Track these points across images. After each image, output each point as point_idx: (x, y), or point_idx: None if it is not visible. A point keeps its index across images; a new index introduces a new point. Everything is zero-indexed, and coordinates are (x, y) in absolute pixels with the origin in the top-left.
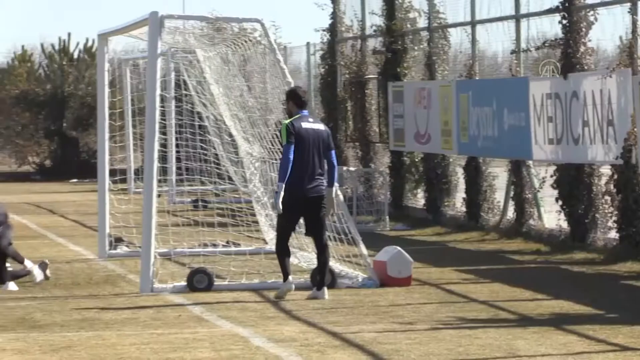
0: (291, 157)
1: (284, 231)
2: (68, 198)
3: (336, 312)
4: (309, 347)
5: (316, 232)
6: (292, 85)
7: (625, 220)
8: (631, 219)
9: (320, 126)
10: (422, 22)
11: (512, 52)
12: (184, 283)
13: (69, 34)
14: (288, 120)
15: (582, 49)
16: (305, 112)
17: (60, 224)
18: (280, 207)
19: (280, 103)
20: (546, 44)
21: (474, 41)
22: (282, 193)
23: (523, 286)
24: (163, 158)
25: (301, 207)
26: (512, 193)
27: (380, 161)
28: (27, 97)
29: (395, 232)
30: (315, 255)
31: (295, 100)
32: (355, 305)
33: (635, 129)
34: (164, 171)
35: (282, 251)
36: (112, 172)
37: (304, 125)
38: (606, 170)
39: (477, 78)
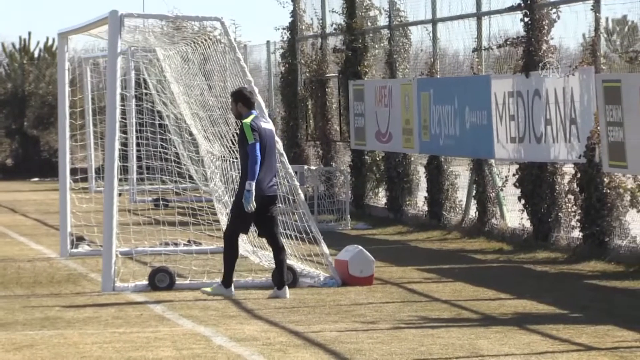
0: (259, 155)
1: (237, 231)
2: (29, 197)
3: (298, 311)
4: (270, 346)
5: (270, 231)
6: (252, 83)
7: (588, 219)
8: (594, 218)
9: (272, 125)
10: (382, 20)
11: (474, 50)
12: (145, 282)
13: (29, 33)
14: (249, 119)
15: (544, 46)
16: (255, 111)
17: (22, 223)
18: (253, 206)
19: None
20: (508, 42)
21: (435, 39)
22: (254, 192)
23: (486, 285)
24: (124, 157)
25: (258, 206)
26: (474, 192)
27: (341, 160)
28: None
29: (357, 231)
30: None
31: (243, 101)
32: (317, 304)
33: (598, 128)
34: (124, 170)
35: (234, 252)
36: (73, 171)
37: (262, 124)
38: (569, 169)
39: (438, 76)
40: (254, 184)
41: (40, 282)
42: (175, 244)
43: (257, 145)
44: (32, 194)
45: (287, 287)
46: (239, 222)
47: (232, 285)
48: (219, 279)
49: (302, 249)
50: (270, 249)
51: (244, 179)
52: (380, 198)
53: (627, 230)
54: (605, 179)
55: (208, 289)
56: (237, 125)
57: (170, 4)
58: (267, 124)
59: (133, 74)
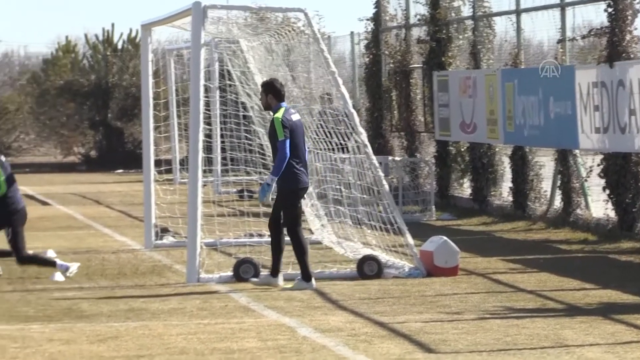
0: (288, 152)
1: (298, 222)
2: (113, 188)
3: (383, 302)
4: (355, 337)
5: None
6: (336, 74)
7: None
8: None
9: (299, 116)
10: (466, 11)
11: (559, 41)
12: (230, 273)
13: (113, 25)
14: (280, 114)
15: (627, 37)
16: (284, 104)
17: (106, 215)
18: (269, 199)
19: (325, 93)
20: (592, 33)
21: (519, 30)
22: (273, 186)
23: (570, 276)
24: (208, 148)
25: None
26: (559, 182)
27: (425, 151)
28: (72, 88)
29: (442, 221)
30: (361, 245)
31: (274, 93)
32: (401, 295)
33: None
34: (209, 161)
35: (304, 244)
36: (158, 163)
37: (293, 117)
38: None
39: (522, 67)
40: (275, 179)
41: (124, 273)
42: (260, 235)
43: (287, 142)
44: (116, 185)
45: (281, 275)
46: (293, 214)
47: (313, 278)
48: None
49: (387, 239)
50: (357, 239)
51: (273, 162)
52: (465, 189)
53: None
54: None
55: (288, 285)
56: (270, 115)
57: None
58: (296, 115)
59: (217, 66)
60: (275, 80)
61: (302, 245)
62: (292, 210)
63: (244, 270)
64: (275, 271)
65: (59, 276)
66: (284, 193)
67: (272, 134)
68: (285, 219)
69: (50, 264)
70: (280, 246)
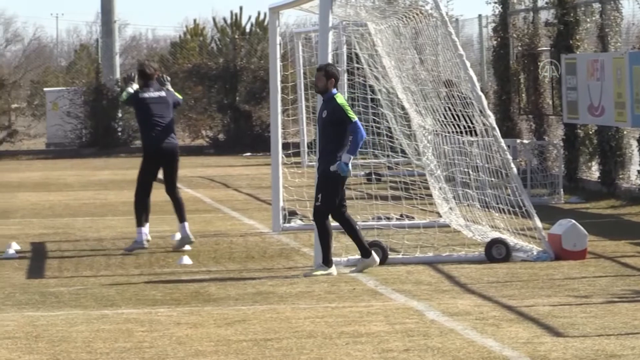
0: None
1: (333, 209)
2: (241, 172)
3: (511, 285)
4: (483, 320)
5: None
6: (464, 57)
7: None
8: None
9: None
10: None
11: None
12: (357, 256)
13: (241, 8)
14: (343, 99)
15: None
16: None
17: (234, 198)
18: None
19: (454, 76)
20: None
21: None
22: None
23: None
24: None
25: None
26: None
27: (553, 134)
28: (200, 71)
29: (570, 205)
30: (489, 229)
31: (336, 79)
32: (530, 278)
33: None
34: None
35: (330, 229)
36: (285, 146)
37: None
38: None
39: None
40: (352, 158)
41: (252, 257)
42: (388, 219)
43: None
44: (244, 168)
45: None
46: (333, 199)
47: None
48: (431, 253)
49: (515, 223)
50: (485, 223)
51: (328, 156)
52: (593, 172)
53: None
54: None
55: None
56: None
57: None
58: None
59: (345, 49)
60: (336, 67)
61: (328, 231)
62: (334, 195)
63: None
64: (366, 252)
65: (186, 259)
66: (332, 178)
67: (334, 118)
68: (324, 203)
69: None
70: (354, 226)
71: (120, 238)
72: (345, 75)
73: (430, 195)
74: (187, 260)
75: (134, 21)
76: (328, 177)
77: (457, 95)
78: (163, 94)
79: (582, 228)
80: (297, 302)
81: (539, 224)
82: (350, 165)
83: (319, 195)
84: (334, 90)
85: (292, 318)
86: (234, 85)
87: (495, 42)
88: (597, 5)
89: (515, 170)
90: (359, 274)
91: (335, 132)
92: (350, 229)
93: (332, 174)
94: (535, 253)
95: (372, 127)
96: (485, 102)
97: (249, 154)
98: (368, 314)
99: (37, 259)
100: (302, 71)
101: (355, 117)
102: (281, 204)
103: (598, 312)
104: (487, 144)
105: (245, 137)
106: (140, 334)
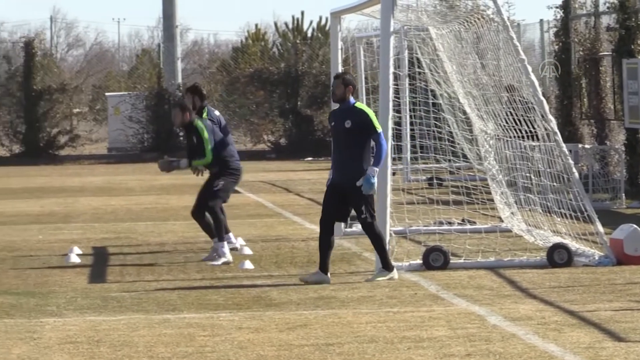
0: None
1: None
2: (303, 176)
3: (573, 290)
4: (545, 325)
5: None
6: (525, 62)
7: None
8: None
9: None
10: None
11: None
12: (419, 261)
13: (303, 12)
14: (368, 108)
15: None
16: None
17: (296, 202)
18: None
19: (515, 81)
20: None
21: None
22: None
23: None
24: (397, 136)
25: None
26: None
27: (615, 138)
28: (261, 76)
29: (631, 209)
30: (551, 233)
31: (354, 88)
32: (591, 283)
33: None
34: (398, 149)
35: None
36: None
37: None
38: None
39: None
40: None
41: (314, 261)
42: (450, 223)
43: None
44: (305, 173)
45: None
46: (373, 206)
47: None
48: (492, 258)
49: (577, 227)
50: (547, 227)
51: (351, 167)
52: None
53: None
54: None
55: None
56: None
57: None
58: None
59: (406, 53)
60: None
61: (381, 237)
62: (373, 203)
63: (433, 258)
64: (325, 268)
65: (248, 264)
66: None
67: (361, 127)
68: (369, 213)
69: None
70: (331, 243)
71: (181, 242)
72: (407, 80)
73: (492, 200)
74: (248, 264)
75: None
76: (359, 189)
77: (519, 100)
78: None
79: None
80: (358, 307)
81: (600, 228)
82: (375, 179)
83: (362, 208)
84: (352, 99)
85: (354, 323)
86: (296, 89)
87: (556, 47)
88: None
89: (577, 175)
90: (420, 279)
91: (359, 142)
92: (327, 243)
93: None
94: (597, 258)
95: (433, 131)
96: (546, 107)
97: (310, 158)
98: (430, 318)
99: (99, 263)
100: (363, 76)
101: (380, 128)
102: None
103: None
104: (549, 148)
105: (307, 142)
106: (202, 338)
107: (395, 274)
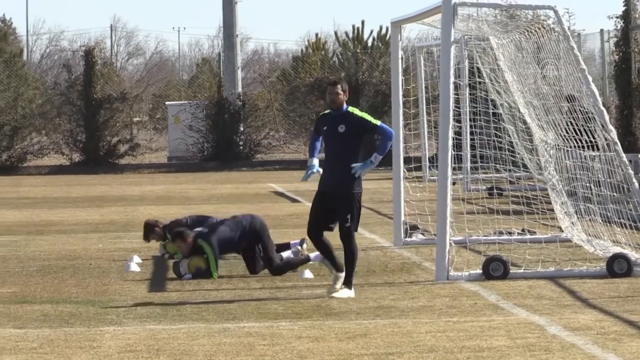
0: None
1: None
2: (365, 186)
3: (632, 300)
4: (604, 335)
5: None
6: (586, 72)
7: None
8: None
9: None
10: None
11: None
12: (479, 271)
13: (363, 22)
14: (360, 110)
15: None
16: None
17: None
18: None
19: (575, 91)
20: None
21: None
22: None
23: None
24: (457, 145)
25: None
26: None
27: None
28: (322, 85)
29: None
30: (610, 244)
31: (348, 94)
32: None
33: None
34: (458, 159)
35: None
36: (407, 160)
37: None
38: None
39: None
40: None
41: (373, 271)
42: (510, 233)
43: None
44: (365, 183)
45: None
46: (359, 218)
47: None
48: (552, 268)
49: (637, 237)
50: (607, 238)
51: (348, 172)
52: None
53: None
54: None
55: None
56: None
57: None
58: None
59: (467, 63)
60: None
61: (356, 253)
62: (359, 213)
63: (493, 268)
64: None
65: (308, 273)
66: (357, 196)
67: (358, 130)
68: (355, 223)
69: (304, 261)
70: (328, 243)
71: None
72: (467, 89)
73: (552, 210)
74: (308, 274)
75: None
76: (353, 195)
77: (579, 109)
78: None
79: None
80: (418, 317)
81: None
82: (371, 166)
83: (348, 216)
84: (345, 104)
85: (414, 332)
86: (356, 99)
87: (617, 57)
88: None
89: (637, 185)
90: (480, 289)
91: (351, 147)
92: (324, 246)
93: (357, 192)
94: None
95: (494, 141)
96: (607, 117)
97: None
98: (489, 328)
99: (158, 272)
100: (423, 85)
101: (378, 121)
102: (402, 218)
103: None
104: (609, 158)
105: (367, 151)
106: (262, 347)
107: (352, 293)
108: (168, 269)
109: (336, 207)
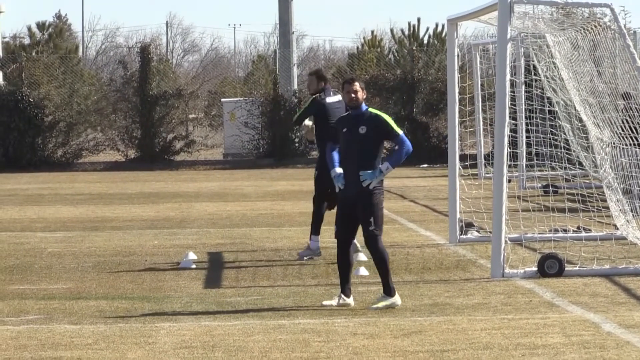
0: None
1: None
2: (418, 183)
3: None
4: None
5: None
6: None
7: None
8: None
9: None
10: None
11: None
12: (534, 268)
13: (419, 19)
14: (384, 113)
15: None
16: None
17: (411, 209)
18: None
19: (632, 89)
20: None
21: None
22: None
23: None
24: (513, 143)
25: None
26: None
27: None
28: (377, 82)
29: None
30: None
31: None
32: None
33: None
34: (514, 156)
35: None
36: (463, 157)
37: None
38: None
39: None
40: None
41: (429, 268)
42: (565, 231)
43: None
44: (421, 180)
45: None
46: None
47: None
48: (607, 265)
49: None
50: None
51: (363, 166)
52: None
53: None
54: None
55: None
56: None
57: None
58: None
59: (522, 60)
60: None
61: (387, 257)
62: (382, 215)
63: (548, 266)
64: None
65: (363, 270)
66: (379, 195)
67: (379, 133)
68: (379, 226)
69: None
70: (352, 261)
71: (297, 248)
72: (523, 87)
73: (608, 208)
74: (363, 271)
75: (311, 32)
76: (375, 197)
77: (635, 107)
78: (340, 97)
79: None
80: (473, 314)
81: None
82: (381, 175)
83: (371, 219)
84: (364, 105)
85: (469, 329)
86: (412, 96)
87: None
88: None
89: None
90: (535, 286)
91: (372, 150)
92: (346, 262)
93: (379, 195)
94: None
95: (549, 139)
96: None
97: (426, 165)
98: (544, 325)
99: (214, 268)
100: (479, 83)
101: (401, 130)
102: (458, 215)
103: None
104: None
105: (423, 149)
106: (317, 344)
107: (397, 299)
108: (224, 264)
109: (357, 211)
